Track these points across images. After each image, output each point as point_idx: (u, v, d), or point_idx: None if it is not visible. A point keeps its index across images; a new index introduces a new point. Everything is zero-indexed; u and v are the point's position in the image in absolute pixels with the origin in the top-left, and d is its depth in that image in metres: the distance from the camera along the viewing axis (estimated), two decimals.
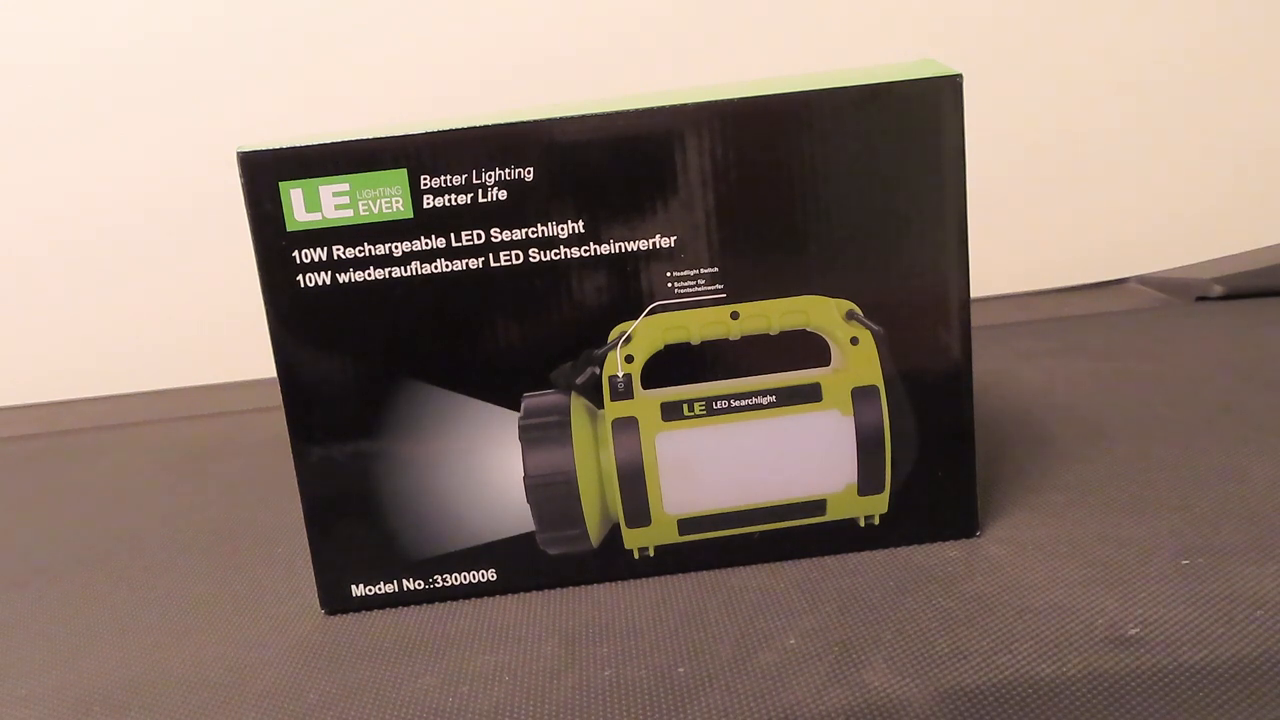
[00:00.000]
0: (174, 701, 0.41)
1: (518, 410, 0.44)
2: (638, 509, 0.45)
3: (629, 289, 0.43)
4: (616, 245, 0.43)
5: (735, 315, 0.44)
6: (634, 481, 0.45)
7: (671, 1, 0.94)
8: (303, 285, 0.43)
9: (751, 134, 0.42)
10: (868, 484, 0.46)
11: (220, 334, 0.94)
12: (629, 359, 0.44)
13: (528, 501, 0.45)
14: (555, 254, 0.43)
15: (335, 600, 0.46)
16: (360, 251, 0.43)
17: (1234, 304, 0.82)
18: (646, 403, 0.45)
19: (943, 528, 0.46)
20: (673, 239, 0.43)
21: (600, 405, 0.45)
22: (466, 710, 0.38)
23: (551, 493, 0.45)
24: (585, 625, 0.43)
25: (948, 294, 0.44)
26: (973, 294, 0.44)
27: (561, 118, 0.42)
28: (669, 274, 0.43)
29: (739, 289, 0.44)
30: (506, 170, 0.42)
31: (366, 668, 0.42)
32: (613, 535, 0.46)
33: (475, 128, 0.42)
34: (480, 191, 0.42)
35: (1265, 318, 0.77)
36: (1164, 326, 0.79)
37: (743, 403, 0.45)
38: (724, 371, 0.45)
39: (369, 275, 0.43)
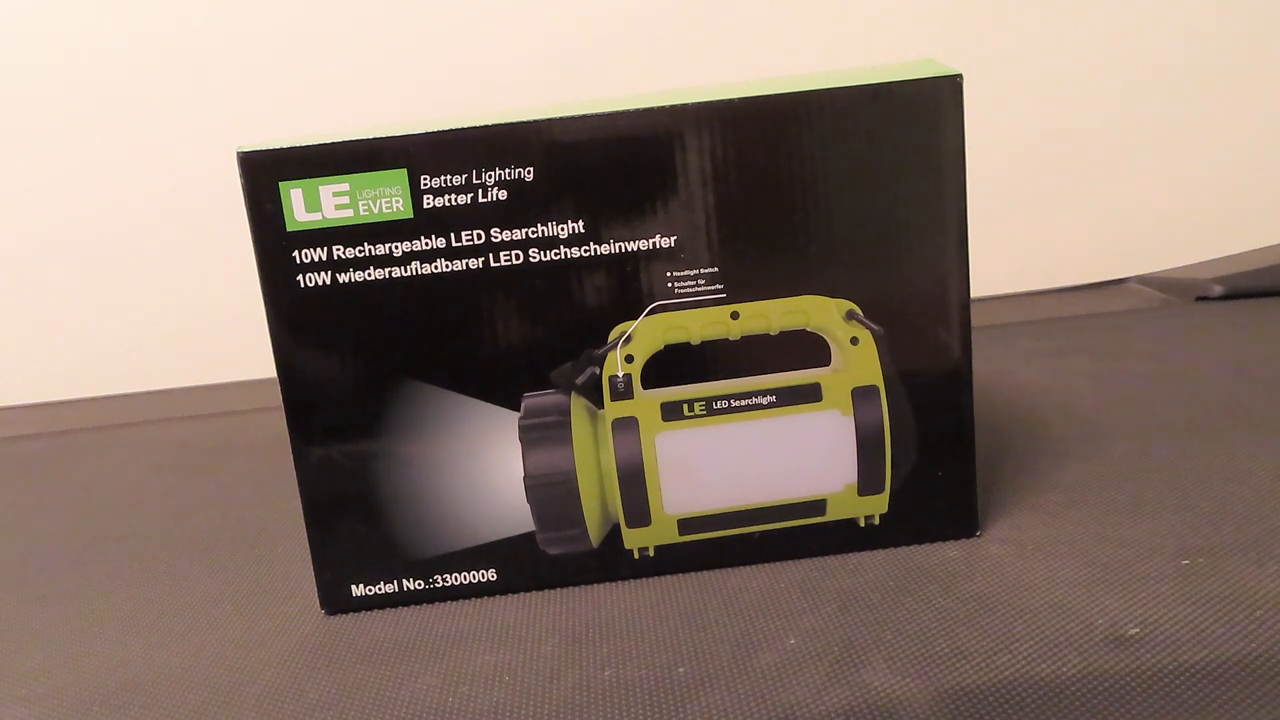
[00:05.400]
0: (174, 701, 0.41)
1: (518, 410, 0.44)
2: (638, 509, 0.45)
3: (629, 289, 0.43)
4: (616, 245, 0.43)
5: (735, 315, 0.44)
6: (634, 481, 0.45)
7: (672, 1, 0.94)
8: (303, 285, 0.43)
9: (752, 134, 0.42)
10: (868, 484, 0.46)
11: (220, 334, 0.94)
12: (629, 359, 0.44)
13: (528, 501, 0.45)
14: (555, 254, 0.43)
15: (335, 600, 0.46)
16: (360, 251, 0.43)
17: (1234, 304, 0.82)
18: (646, 403, 0.45)
19: (943, 528, 0.46)
20: (673, 239, 0.43)
21: (600, 405, 0.45)
22: (466, 710, 0.38)
23: (551, 493, 0.45)
24: (585, 625, 0.43)
25: (948, 294, 0.44)
26: (973, 294, 0.44)
27: (561, 118, 0.42)
28: (669, 274, 0.43)
29: (739, 289, 0.44)
30: (506, 170, 0.42)
31: (366, 668, 0.42)
32: (613, 535, 0.46)
33: (475, 128, 0.42)
34: (480, 191, 0.42)
35: (1265, 318, 0.77)
36: (1164, 326, 0.79)
37: (743, 403, 0.45)
38: (724, 371, 0.45)
39: (369, 275, 0.43)
